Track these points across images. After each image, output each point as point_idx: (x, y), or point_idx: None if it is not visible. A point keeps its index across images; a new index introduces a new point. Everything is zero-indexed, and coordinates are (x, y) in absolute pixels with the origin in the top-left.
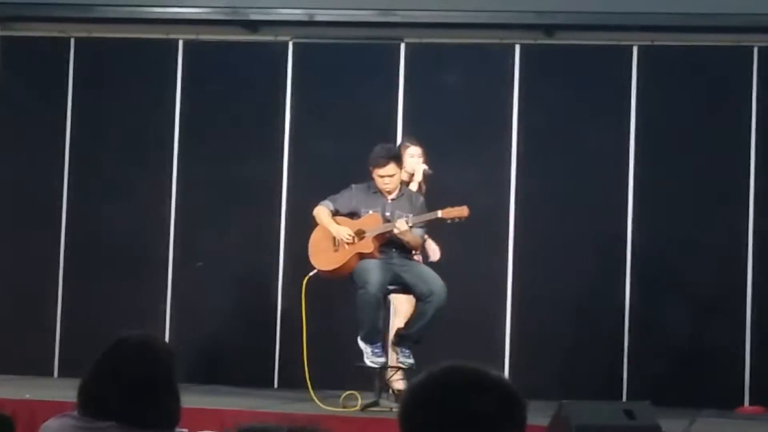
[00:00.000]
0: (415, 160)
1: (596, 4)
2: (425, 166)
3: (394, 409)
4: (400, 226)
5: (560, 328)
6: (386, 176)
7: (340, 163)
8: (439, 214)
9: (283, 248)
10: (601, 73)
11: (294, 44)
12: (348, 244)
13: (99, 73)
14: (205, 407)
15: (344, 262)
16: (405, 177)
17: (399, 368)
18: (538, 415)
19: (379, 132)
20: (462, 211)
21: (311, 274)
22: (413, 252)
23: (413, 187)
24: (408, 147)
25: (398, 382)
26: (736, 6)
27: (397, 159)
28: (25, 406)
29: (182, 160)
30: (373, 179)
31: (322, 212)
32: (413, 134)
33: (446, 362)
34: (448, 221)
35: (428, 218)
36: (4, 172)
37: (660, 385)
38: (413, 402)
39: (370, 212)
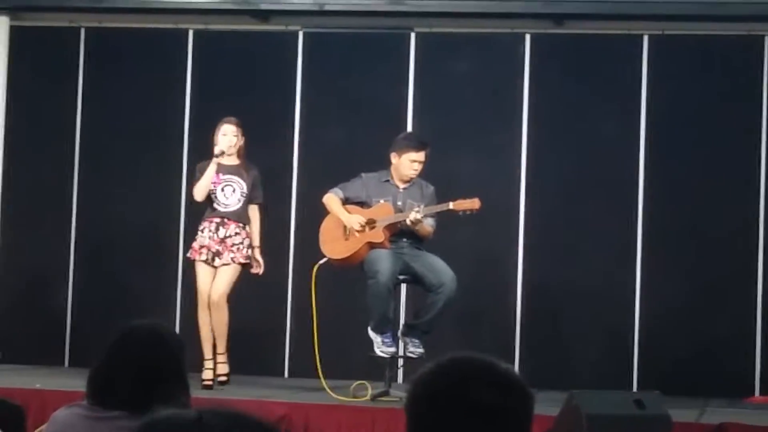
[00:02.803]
0: (227, 138)
1: None
2: (224, 148)
3: (404, 399)
4: (412, 217)
5: (570, 318)
6: (417, 161)
7: (350, 152)
8: (451, 205)
9: (294, 237)
10: (612, 62)
11: (304, 34)
12: (359, 232)
13: (109, 63)
14: (215, 396)
15: (355, 251)
16: (217, 151)
17: (409, 358)
18: (548, 405)
19: (389, 121)
20: (474, 203)
21: (321, 262)
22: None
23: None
24: (222, 124)
25: None
26: None
27: (428, 148)
28: (35, 396)
29: (192, 148)
30: (390, 165)
31: (332, 200)
32: (424, 123)
33: (454, 353)
34: (460, 213)
35: (439, 209)
36: (15, 162)
37: (670, 375)
38: (420, 392)
39: (381, 201)
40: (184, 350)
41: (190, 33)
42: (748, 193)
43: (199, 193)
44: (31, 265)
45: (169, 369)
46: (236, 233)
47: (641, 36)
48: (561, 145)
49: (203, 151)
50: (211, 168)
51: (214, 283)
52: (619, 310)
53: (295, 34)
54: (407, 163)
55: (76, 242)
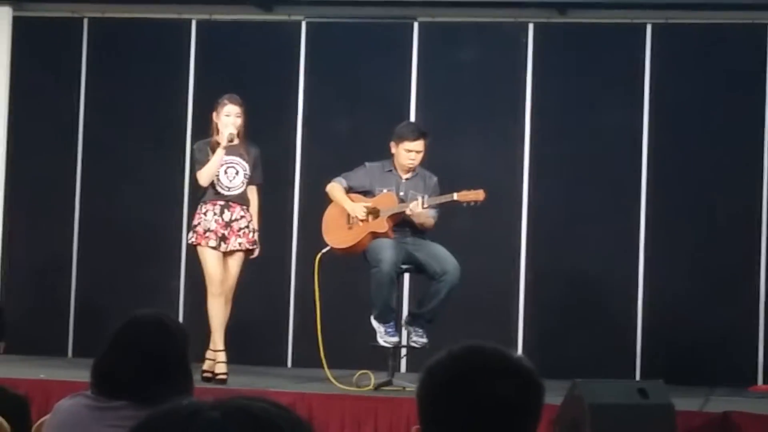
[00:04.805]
0: (231, 120)
1: None
2: (233, 131)
3: (407, 389)
4: (414, 208)
5: (574, 307)
6: (413, 151)
7: (353, 142)
8: (455, 196)
9: (297, 226)
10: (615, 51)
11: (307, 23)
12: (362, 222)
13: (112, 53)
14: (218, 386)
15: (358, 240)
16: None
17: (412, 347)
18: (551, 394)
19: (392, 110)
20: (478, 194)
21: (324, 250)
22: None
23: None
24: (226, 104)
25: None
26: None
27: (426, 138)
28: (39, 386)
29: (195, 139)
30: (392, 155)
31: (335, 189)
32: (427, 113)
33: (466, 342)
34: (464, 204)
35: (443, 201)
36: (19, 153)
37: (673, 364)
38: (434, 381)
39: (385, 191)
40: (188, 340)
41: (193, 23)
42: (752, 183)
43: (207, 179)
44: (34, 256)
45: (173, 358)
46: (241, 216)
47: (644, 24)
48: (564, 133)
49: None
50: (220, 153)
51: (228, 278)
52: (623, 299)
53: (299, 24)
54: (403, 153)
55: (79, 233)
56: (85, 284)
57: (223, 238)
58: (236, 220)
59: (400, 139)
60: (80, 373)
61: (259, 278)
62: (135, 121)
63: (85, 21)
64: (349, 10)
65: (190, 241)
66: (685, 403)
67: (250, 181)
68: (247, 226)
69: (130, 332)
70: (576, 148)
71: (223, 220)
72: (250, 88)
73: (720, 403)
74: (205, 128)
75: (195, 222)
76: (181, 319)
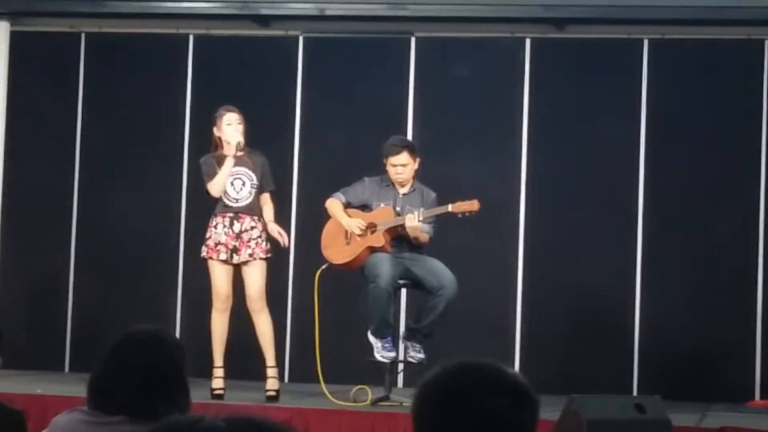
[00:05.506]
0: (234, 127)
1: None
2: (241, 139)
3: (404, 404)
4: (409, 222)
5: (571, 322)
6: (398, 165)
7: (351, 157)
8: (450, 208)
9: (294, 241)
10: (612, 66)
11: (305, 38)
12: (359, 237)
13: (110, 68)
14: (215, 401)
15: (356, 255)
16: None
17: (409, 363)
18: (548, 409)
19: (389, 126)
20: (472, 205)
21: (324, 267)
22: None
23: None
24: (225, 114)
25: None
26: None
27: (411, 149)
28: (36, 401)
29: (193, 154)
30: (386, 171)
31: (334, 204)
32: (424, 128)
33: (461, 358)
34: (459, 215)
35: (438, 212)
36: (16, 168)
37: (671, 379)
38: (428, 397)
39: (382, 205)
40: (184, 354)
41: (191, 38)
42: (748, 198)
43: (218, 189)
44: (31, 269)
45: (170, 373)
46: (252, 227)
47: (641, 40)
48: (561, 149)
49: (203, 154)
50: (230, 162)
51: (250, 287)
52: (620, 314)
53: (296, 39)
54: (391, 168)
55: (76, 247)
56: (82, 298)
57: (235, 250)
58: (246, 231)
59: (385, 155)
60: (77, 388)
61: None
62: (132, 136)
63: (83, 36)
64: (346, 25)
65: (201, 255)
66: (682, 418)
67: (261, 189)
68: (260, 236)
69: (127, 347)
70: (573, 163)
71: (233, 231)
72: (248, 103)
73: (717, 419)
74: (202, 143)
75: (206, 235)
76: (178, 333)
